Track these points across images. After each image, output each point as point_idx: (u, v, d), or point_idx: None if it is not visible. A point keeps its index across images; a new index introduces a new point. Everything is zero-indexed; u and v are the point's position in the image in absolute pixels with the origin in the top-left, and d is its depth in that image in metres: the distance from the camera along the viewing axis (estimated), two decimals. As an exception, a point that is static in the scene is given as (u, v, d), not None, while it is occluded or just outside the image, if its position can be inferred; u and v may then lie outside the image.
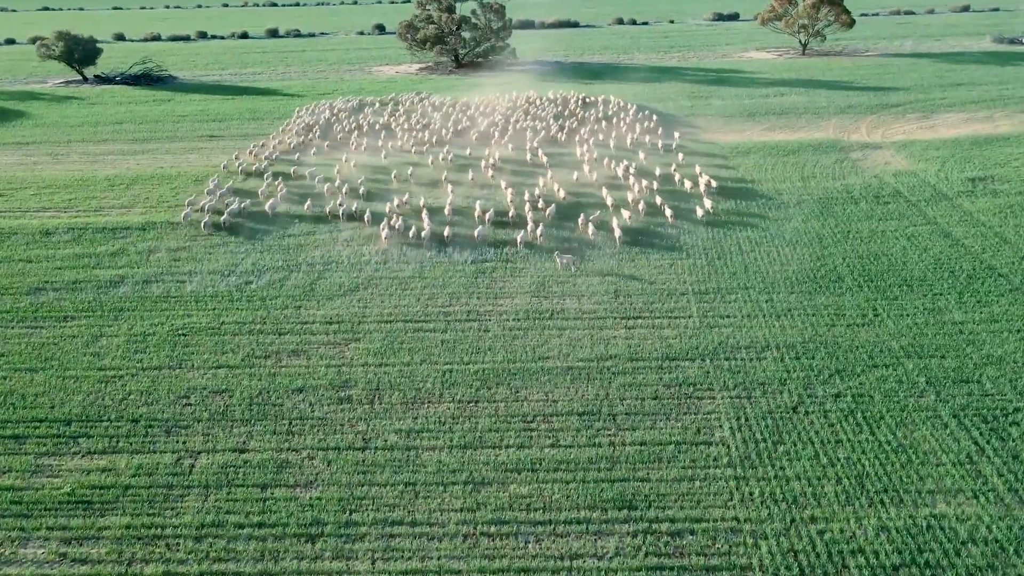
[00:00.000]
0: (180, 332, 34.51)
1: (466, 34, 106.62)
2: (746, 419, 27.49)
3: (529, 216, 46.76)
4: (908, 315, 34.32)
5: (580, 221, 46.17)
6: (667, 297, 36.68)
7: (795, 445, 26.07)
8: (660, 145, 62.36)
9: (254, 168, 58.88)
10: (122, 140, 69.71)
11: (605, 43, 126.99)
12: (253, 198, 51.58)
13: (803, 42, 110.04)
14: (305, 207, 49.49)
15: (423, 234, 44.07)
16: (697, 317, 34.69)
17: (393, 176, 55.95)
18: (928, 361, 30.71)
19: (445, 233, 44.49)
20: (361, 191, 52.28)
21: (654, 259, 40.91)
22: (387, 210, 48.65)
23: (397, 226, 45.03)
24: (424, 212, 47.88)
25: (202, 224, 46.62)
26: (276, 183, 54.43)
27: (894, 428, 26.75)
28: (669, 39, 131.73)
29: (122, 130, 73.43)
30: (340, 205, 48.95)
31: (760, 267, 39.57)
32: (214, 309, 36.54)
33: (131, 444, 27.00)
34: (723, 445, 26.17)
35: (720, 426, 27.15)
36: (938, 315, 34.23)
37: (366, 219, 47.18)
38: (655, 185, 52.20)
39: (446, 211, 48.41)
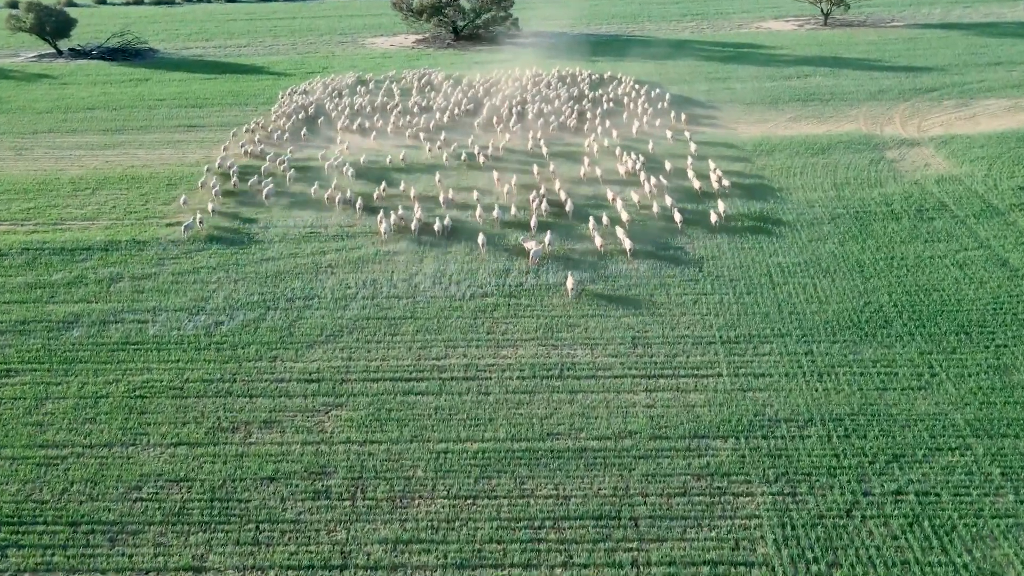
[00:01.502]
0: (137, 393, 30.20)
1: (465, 3, 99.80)
2: (792, 527, 23.39)
3: (533, 222, 43.19)
4: (970, 375, 29.93)
5: (590, 226, 42.32)
6: (692, 347, 32.27)
7: (854, 568, 21.99)
8: (670, 136, 57.49)
9: (249, 150, 56.51)
10: (93, 131, 64.40)
11: (613, 10, 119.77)
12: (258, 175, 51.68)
13: (825, 11, 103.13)
14: (312, 191, 48.41)
15: (435, 227, 42.76)
16: (727, 376, 30.32)
17: (388, 160, 53.67)
18: (1000, 442, 26.44)
19: (441, 224, 42.79)
20: (351, 174, 51.16)
21: (675, 293, 36.35)
22: (375, 196, 47.58)
23: (397, 219, 43.86)
24: (416, 205, 45.53)
25: (183, 227, 43.16)
26: (280, 165, 52.93)
27: (970, 544, 22.63)
28: (680, 5, 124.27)
29: (94, 118, 67.99)
30: (336, 191, 47.71)
31: (795, 306, 35.04)
32: (178, 361, 32.18)
33: (68, 559, 22.90)
34: (767, 567, 22.09)
35: (762, 537, 23.04)
36: (1004, 375, 29.84)
37: (358, 207, 45.93)
38: (664, 181, 48.23)
39: (443, 208, 45.09)
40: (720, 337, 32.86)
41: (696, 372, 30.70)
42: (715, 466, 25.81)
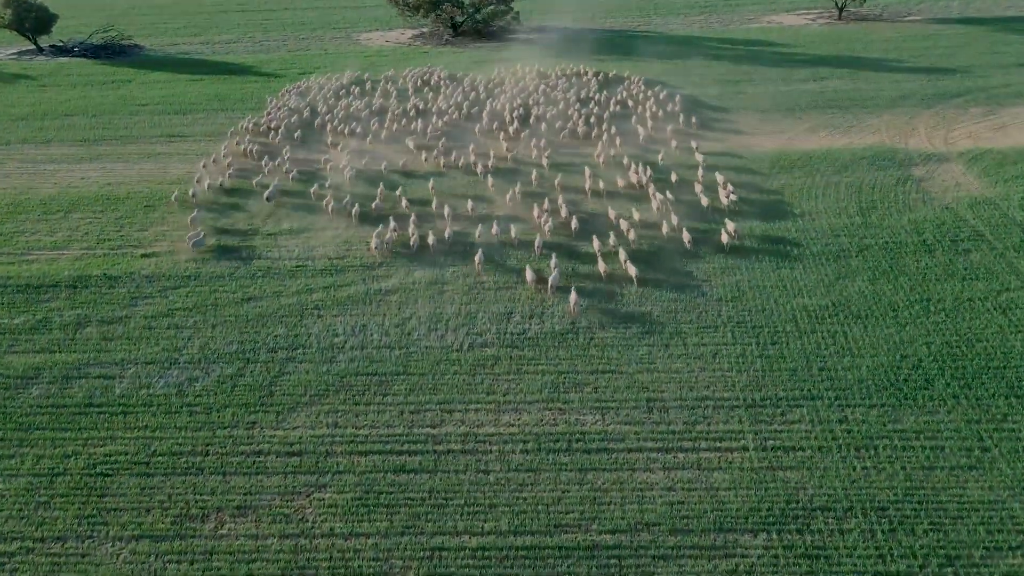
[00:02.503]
0: (98, 469, 27.12)
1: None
2: (837, 655, 20.52)
3: (538, 242, 40.63)
4: (1025, 450, 26.96)
5: (595, 247, 40.14)
6: (713, 411, 29.19)
7: None
8: (674, 146, 54.36)
9: (250, 149, 55.33)
10: (70, 141, 60.81)
11: (618, 2, 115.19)
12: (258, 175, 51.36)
13: (839, 4, 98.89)
14: (312, 190, 47.91)
15: (429, 242, 41.12)
16: (754, 451, 27.27)
17: (383, 167, 51.69)
18: (1065, 540, 23.53)
19: (436, 240, 41.37)
20: (348, 178, 49.85)
21: (692, 344, 33.15)
22: (372, 207, 45.73)
23: (392, 233, 41.82)
24: (413, 217, 43.77)
25: (190, 243, 41.64)
26: (281, 166, 52.06)
27: None
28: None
29: (72, 125, 64.34)
30: (331, 199, 46.11)
31: (826, 360, 31.86)
32: (145, 428, 29.11)
33: None
34: None
35: (803, 669, 20.19)
36: (1063, 451, 26.86)
37: (354, 213, 44.46)
38: (669, 195, 45.90)
39: (445, 233, 42.07)
40: (744, 400, 29.75)
41: (719, 445, 27.64)
42: (745, 569, 22.83)
